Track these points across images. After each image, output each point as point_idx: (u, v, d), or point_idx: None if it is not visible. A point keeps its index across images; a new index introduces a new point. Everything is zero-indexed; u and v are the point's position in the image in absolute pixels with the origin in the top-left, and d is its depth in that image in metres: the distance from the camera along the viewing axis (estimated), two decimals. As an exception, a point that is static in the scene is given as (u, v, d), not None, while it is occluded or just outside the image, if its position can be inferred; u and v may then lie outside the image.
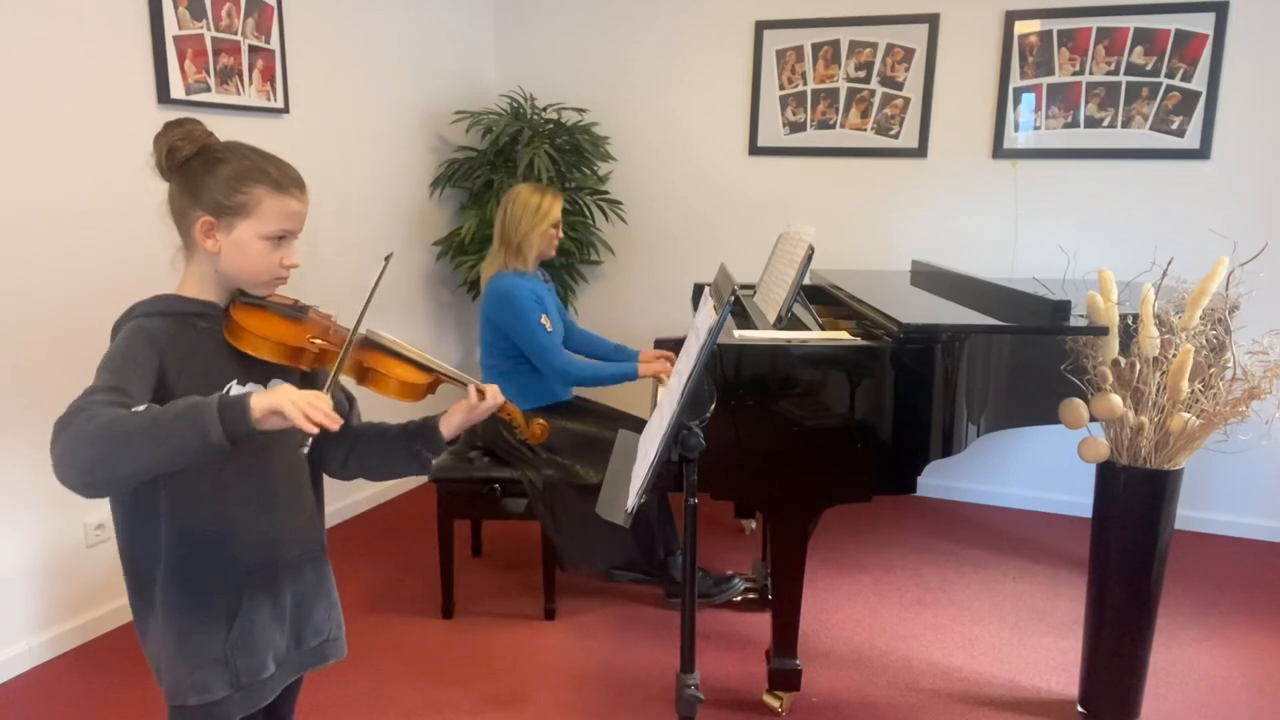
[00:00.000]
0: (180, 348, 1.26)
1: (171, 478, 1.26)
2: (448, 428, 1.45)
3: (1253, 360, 2.14)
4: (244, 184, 1.28)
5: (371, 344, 1.41)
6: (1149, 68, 3.45)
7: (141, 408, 1.12)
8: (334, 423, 1.15)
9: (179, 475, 1.26)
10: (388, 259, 1.36)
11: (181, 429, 1.11)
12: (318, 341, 1.32)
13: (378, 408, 1.53)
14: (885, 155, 3.87)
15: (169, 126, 1.29)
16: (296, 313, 1.37)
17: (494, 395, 1.45)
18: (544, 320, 2.84)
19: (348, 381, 1.39)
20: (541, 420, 1.64)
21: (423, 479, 3.91)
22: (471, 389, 1.45)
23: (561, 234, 2.99)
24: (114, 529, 1.34)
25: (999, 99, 3.66)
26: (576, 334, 3.14)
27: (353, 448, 1.49)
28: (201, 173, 1.28)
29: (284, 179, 1.31)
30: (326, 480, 1.53)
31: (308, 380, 1.45)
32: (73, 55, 2.53)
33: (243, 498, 1.35)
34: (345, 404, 1.50)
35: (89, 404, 1.12)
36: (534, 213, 2.84)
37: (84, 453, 1.09)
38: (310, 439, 1.18)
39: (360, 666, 2.57)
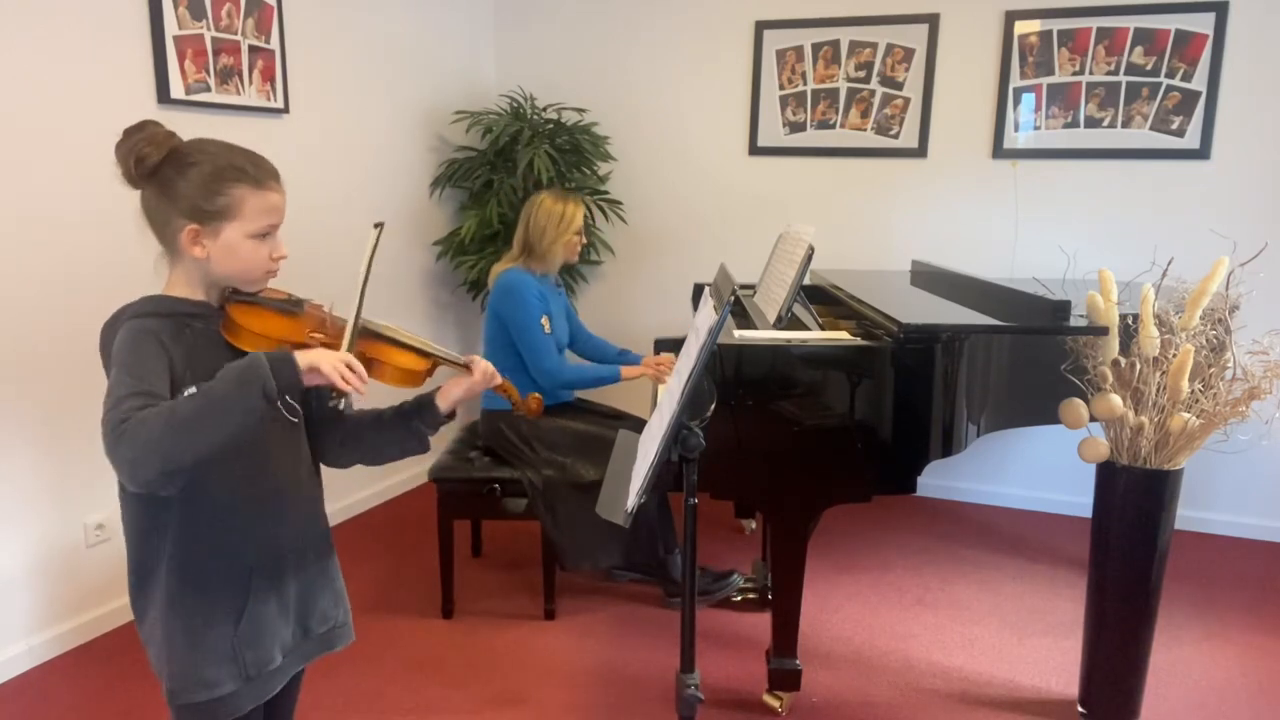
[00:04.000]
0: (180, 347, 1.26)
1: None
2: (445, 401, 1.47)
3: (1253, 360, 2.14)
4: (223, 185, 1.25)
5: (370, 333, 1.41)
6: (1149, 68, 3.45)
7: (191, 389, 1.16)
8: (363, 388, 1.22)
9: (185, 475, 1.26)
10: (379, 227, 1.33)
11: (242, 393, 1.15)
12: (317, 335, 1.32)
13: (376, 395, 1.53)
14: (885, 155, 3.86)
15: (129, 133, 1.24)
16: (292, 307, 1.37)
17: (487, 370, 1.48)
18: (544, 321, 2.85)
19: None
20: (537, 394, 1.68)
21: (423, 479, 3.91)
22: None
23: (585, 240, 3.01)
24: (122, 529, 1.33)
25: (999, 99, 3.66)
26: (584, 338, 3.15)
27: (348, 432, 1.50)
28: (175, 178, 1.24)
29: (261, 174, 1.29)
30: (326, 480, 1.53)
31: None
32: (73, 55, 2.53)
33: (246, 493, 1.35)
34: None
35: (130, 412, 1.13)
36: (558, 222, 2.89)
37: (156, 449, 1.11)
38: (344, 397, 1.24)
39: (360, 666, 2.57)
